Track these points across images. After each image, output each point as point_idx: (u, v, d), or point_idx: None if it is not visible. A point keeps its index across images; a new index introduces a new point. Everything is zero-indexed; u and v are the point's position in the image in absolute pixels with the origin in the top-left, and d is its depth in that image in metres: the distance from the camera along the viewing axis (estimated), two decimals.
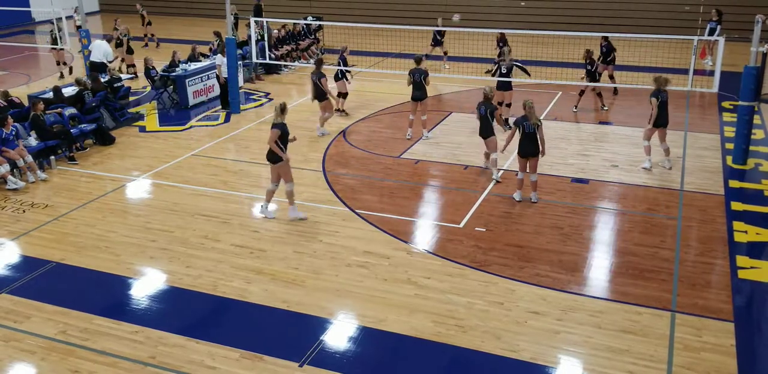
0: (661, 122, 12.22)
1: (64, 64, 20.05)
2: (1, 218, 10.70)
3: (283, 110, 9.96)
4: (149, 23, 24.36)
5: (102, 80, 15.77)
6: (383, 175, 12.27)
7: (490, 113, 11.71)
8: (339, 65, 15.73)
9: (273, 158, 10.03)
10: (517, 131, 10.77)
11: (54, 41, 19.50)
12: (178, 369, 7.11)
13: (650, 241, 9.69)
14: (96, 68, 17.11)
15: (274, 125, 9.95)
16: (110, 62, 17.68)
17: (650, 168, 12.30)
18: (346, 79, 15.75)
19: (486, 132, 11.78)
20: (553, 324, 7.79)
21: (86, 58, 17.84)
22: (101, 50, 17.62)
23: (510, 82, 14.58)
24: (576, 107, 16.01)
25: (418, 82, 13.65)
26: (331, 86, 15.17)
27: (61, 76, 19.90)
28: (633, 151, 13.32)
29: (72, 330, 7.80)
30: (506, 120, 14.37)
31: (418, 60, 13.96)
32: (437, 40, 20.17)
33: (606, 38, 16.94)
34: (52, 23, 19.63)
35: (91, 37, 18.23)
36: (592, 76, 15.43)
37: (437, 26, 19.47)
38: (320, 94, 14.08)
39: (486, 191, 11.38)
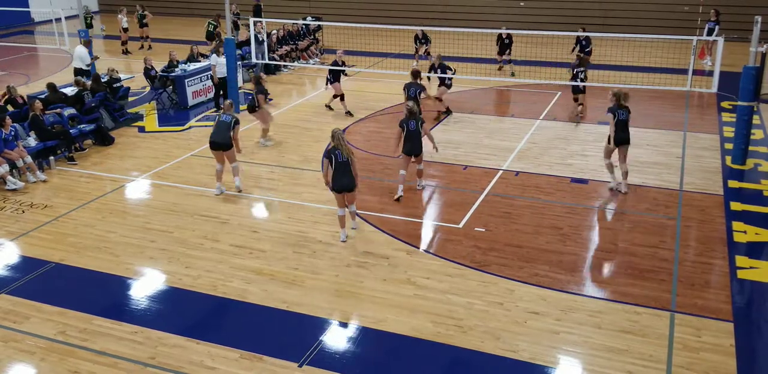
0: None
1: None
2: (0, 219, 10.70)
3: (231, 105, 11.57)
4: (146, 25, 24.20)
5: (102, 80, 15.75)
6: (383, 175, 12.27)
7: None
8: (335, 66, 15.78)
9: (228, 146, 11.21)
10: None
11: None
12: (177, 370, 7.11)
13: (650, 241, 9.69)
14: (79, 74, 16.73)
15: (239, 121, 11.29)
16: (88, 66, 17.19)
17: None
18: (338, 80, 15.79)
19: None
20: (553, 324, 7.79)
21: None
22: (78, 56, 17.38)
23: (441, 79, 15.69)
24: None
25: None
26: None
27: None
28: (632, 151, 13.27)
29: (71, 330, 7.80)
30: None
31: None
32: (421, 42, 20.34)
33: (584, 30, 18.81)
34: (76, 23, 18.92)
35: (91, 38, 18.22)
36: None
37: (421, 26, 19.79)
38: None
39: (485, 191, 11.38)
